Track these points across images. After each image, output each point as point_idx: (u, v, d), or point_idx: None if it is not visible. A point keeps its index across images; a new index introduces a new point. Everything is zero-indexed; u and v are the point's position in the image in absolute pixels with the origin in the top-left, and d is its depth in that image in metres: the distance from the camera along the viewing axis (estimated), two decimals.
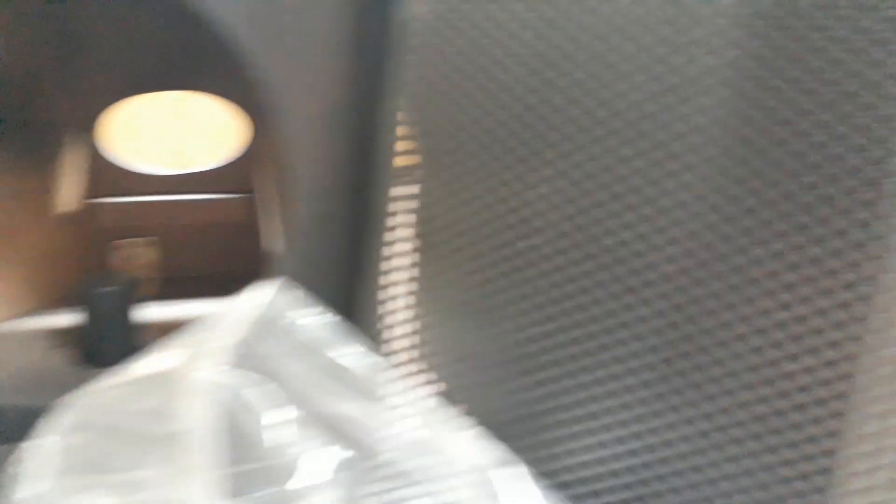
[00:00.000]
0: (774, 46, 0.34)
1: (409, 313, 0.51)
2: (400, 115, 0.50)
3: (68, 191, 0.68)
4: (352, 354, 0.42)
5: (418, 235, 0.50)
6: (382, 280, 0.52)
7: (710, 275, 0.37)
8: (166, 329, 0.59)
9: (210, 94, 0.71)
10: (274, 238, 0.73)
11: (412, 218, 0.51)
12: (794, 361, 0.35)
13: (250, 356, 0.39)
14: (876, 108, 0.32)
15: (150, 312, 0.62)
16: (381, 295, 0.52)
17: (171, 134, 1.16)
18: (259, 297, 0.41)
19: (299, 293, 0.42)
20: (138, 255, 0.72)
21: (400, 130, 0.50)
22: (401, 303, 0.52)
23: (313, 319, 0.42)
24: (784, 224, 0.35)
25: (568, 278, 0.42)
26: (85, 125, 0.68)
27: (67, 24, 0.64)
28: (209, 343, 0.38)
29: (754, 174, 0.36)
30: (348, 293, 0.54)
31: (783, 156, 0.35)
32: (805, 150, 0.34)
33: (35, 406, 0.48)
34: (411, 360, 0.50)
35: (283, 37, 0.49)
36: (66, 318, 0.65)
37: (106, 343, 0.56)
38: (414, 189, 0.50)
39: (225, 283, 0.74)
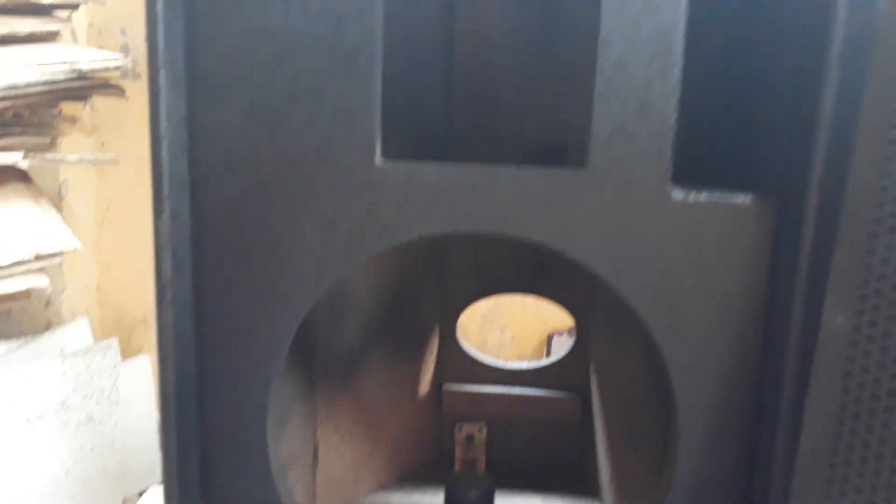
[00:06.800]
0: None
1: None
2: None
3: (425, 377, 0.80)
4: None
5: None
6: None
7: None
8: None
9: (546, 298, 0.80)
10: (604, 442, 0.76)
11: None
12: None
13: None
14: None
15: None
16: None
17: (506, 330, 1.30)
18: None
19: None
20: (473, 438, 0.81)
21: None
22: None
23: None
24: None
25: None
26: (446, 322, 0.81)
27: (433, 245, 0.78)
28: None
29: None
30: None
31: None
32: None
33: None
34: None
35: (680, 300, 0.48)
36: (423, 499, 0.73)
37: None
38: None
39: (542, 475, 0.79)
